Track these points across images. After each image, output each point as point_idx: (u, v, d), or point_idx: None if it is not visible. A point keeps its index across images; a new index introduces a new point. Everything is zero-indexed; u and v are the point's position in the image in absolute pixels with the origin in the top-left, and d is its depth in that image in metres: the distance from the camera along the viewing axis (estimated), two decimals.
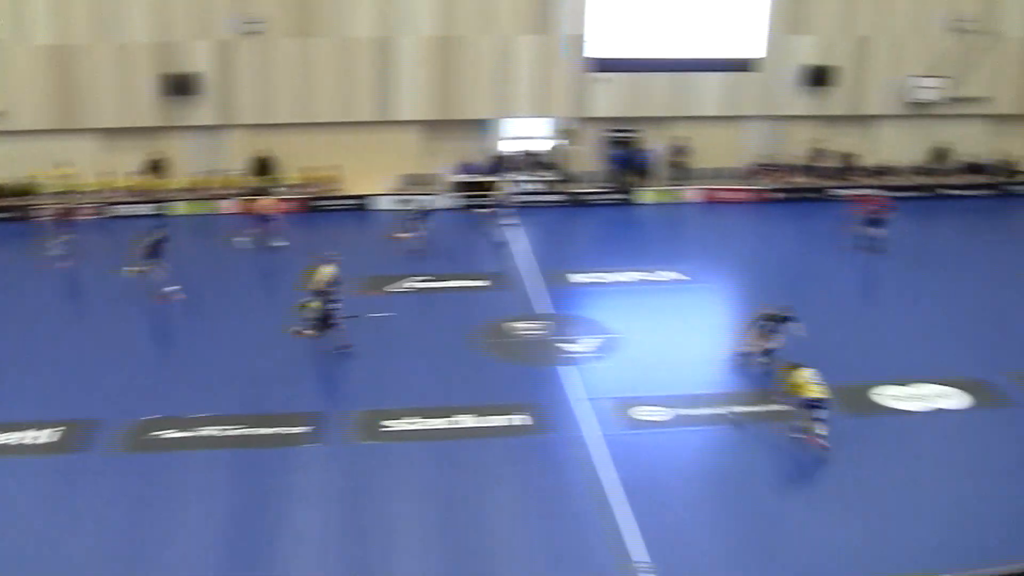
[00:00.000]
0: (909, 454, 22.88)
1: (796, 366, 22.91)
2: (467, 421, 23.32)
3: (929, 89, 42.21)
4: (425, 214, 34.53)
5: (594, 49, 39.41)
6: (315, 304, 26.24)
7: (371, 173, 39.10)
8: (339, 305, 26.60)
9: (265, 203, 35.37)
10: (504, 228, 37.03)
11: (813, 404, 22.50)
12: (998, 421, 24.41)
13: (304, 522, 19.69)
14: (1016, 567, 17.84)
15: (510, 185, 39.71)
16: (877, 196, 36.32)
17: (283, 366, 25.98)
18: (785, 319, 25.95)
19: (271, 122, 39.12)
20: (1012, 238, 39.55)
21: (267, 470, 21.32)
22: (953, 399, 25.26)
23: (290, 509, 20.07)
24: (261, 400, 24.16)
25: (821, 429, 22.70)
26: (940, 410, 24.71)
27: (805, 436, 22.68)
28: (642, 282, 32.33)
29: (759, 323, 26.08)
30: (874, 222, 35.18)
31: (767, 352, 25.99)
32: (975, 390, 25.45)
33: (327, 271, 27.22)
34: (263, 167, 39.17)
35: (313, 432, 22.73)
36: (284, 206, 36.31)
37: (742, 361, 26.30)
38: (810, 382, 22.53)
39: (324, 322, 26.15)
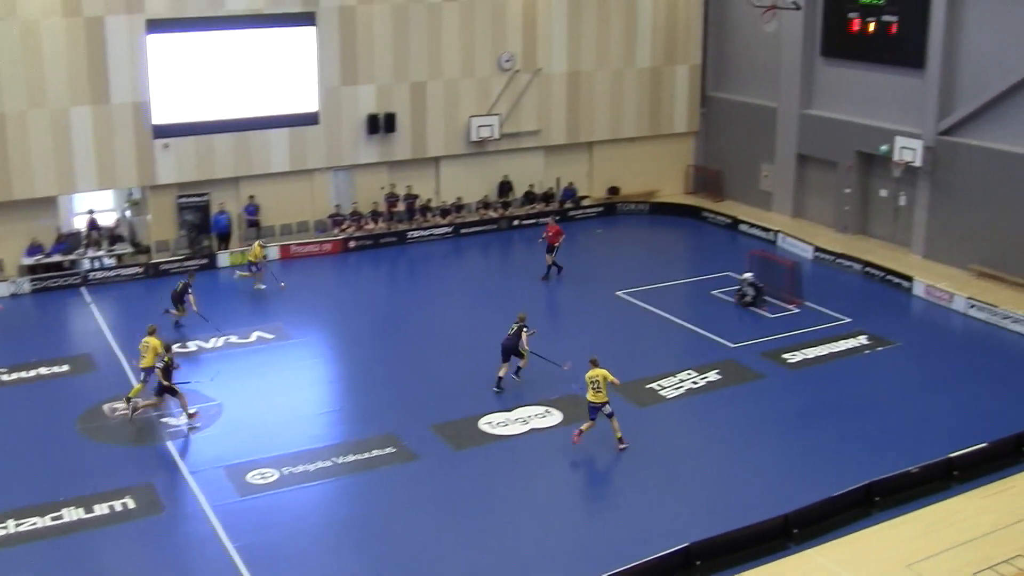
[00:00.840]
0: (520, 475, 24.41)
1: (593, 363, 24.65)
2: (75, 514, 22.57)
3: (486, 127, 44.50)
4: (187, 289, 33.03)
5: (158, 115, 38.86)
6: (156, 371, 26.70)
7: None
8: (176, 371, 26.63)
9: None
10: (86, 307, 35.82)
11: (590, 405, 24.39)
12: (588, 433, 26.14)
13: None
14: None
15: (85, 262, 38.48)
16: (552, 225, 39.11)
17: None
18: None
19: None
20: (588, 258, 42.01)
21: None
22: (548, 418, 26.95)
23: None
24: None
25: (585, 427, 24.90)
26: (534, 430, 26.33)
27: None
28: (233, 346, 32.22)
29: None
30: (550, 248, 38.21)
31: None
32: (568, 406, 27.16)
33: (155, 341, 27.36)
34: None
35: None
36: None
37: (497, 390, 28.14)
38: (588, 385, 24.25)
39: (165, 390, 26.50)
